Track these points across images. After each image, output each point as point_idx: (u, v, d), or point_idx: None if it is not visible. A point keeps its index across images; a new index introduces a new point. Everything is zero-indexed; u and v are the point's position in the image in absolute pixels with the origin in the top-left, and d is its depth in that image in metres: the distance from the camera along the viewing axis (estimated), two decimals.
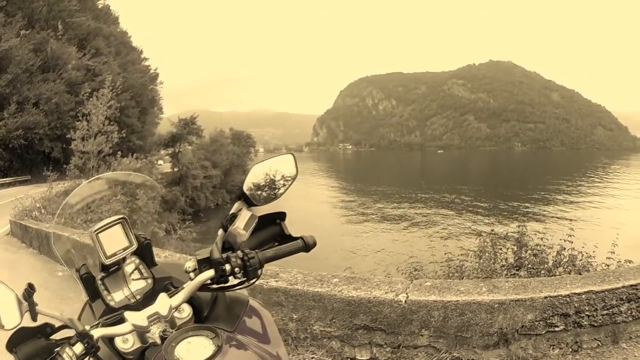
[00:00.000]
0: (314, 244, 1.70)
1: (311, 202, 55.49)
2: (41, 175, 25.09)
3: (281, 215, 1.80)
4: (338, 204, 61.86)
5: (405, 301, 3.97)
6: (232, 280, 1.57)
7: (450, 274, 7.93)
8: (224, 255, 1.55)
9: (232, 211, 1.67)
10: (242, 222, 1.65)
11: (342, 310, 4.11)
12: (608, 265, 7.81)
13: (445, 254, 9.12)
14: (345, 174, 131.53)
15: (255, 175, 1.72)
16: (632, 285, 4.28)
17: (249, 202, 1.68)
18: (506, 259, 8.27)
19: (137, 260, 1.74)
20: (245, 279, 1.57)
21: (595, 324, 4.18)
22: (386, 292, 4.07)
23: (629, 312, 4.31)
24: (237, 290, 1.64)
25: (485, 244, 8.68)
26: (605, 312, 4.19)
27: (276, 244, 1.75)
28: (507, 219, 41.80)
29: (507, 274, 7.43)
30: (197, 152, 53.56)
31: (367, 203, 60.18)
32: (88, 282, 1.67)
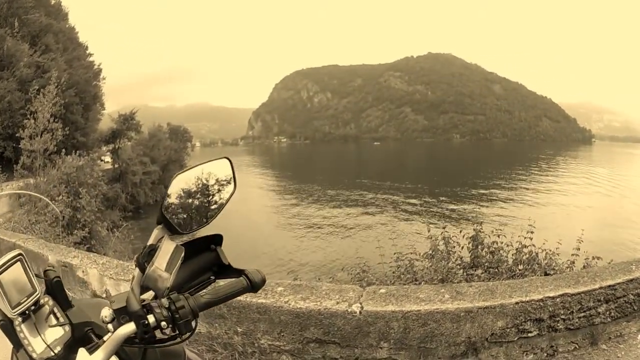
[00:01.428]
0: (262, 282, 1.45)
1: (248, 202, 55.20)
2: None
3: (216, 239, 1.55)
4: (275, 202, 61.77)
5: (360, 312, 3.63)
6: (161, 334, 1.29)
7: (402, 275, 7.62)
8: (145, 304, 1.27)
9: (150, 241, 1.36)
10: (164, 260, 1.33)
11: (291, 323, 3.75)
12: (573, 263, 7.73)
13: (394, 253, 8.70)
14: (281, 169, 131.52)
15: (179, 190, 1.42)
16: (609, 286, 4.13)
17: (171, 229, 1.37)
18: (461, 258, 8.05)
19: (51, 302, 1.39)
20: (176, 332, 1.29)
21: (572, 327, 4.01)
22: (338, 302, 3.73)
23: (608, 312, 4.17)
24: None
25: (437, 242, 8.39)
26: (582, 314, 4.02)
27: (212, 277, 1.53)
28: (454, 214, 42.65)
29: (463, 274, 7.26)
30: (136, 147, 53.81)
31: (305, 201, 60.23)
32: (7, 328, 1.35)
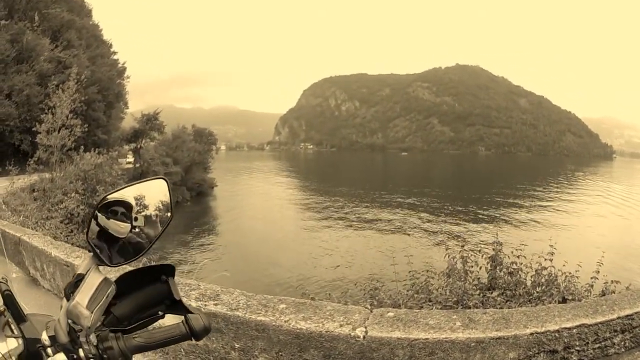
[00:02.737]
0: (204, 331, 1.27)
1: (271, 209, 56.53)
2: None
3: (168, 269, 1.38)
4: (299, 206, 61.84)
5: (364, 337, 3.48)
6: None
7: (415, 295, 7.27)
8: (73, 337, 1.17)
9: (79, 270, 1.25)
10: (86, 295, 1.19)
11: (290, 344, 3.61)
12: (592, 286, 7.40)
13: (409, 272, 8.37)
14: (307, 176, 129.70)
15: (107, 215, 1.28)
16: (627, 316, 4.01)
17: (99, 258, 1.25)
18: (478, 279, 7.73)
19: (7, 312, 1.29)
20: None
21: (585, 359, 3.82)
22: (341, 325, 3.57)
23: (622, 343, 4.04)
24: None
25: (455, 260, 8.08)
26: (597, 345, 3.87)
27: (160, 312, 1.38)
28: (475, 227, 41.85)
29: (480, 295, 6.86)
30: (159, 148, 54.13)
31: (330, 208, 59.72)
32: None
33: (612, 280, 7.33)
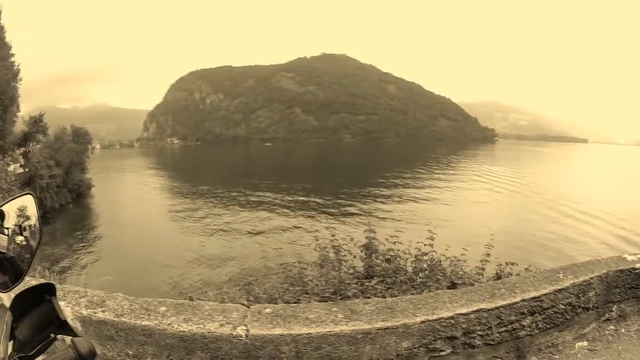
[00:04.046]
0: (91, 355, 1.20)
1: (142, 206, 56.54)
2: None
3: (48, 288, 1.30)
4: (170, 204, 60.63)
5: (247, 335, 3.51)
6: None
7: (291, 288, 7.06)
8: None
9: None
10: None
11: (177, 347, 3.54)
12: (484, 269, 7.48)
13: (280, 264, 8.35)
14: (172, 171, 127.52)
15: None
16: (533, 298, 4.09)
17: None
18: (354, 268, 7.68)
19: None
20: None
21: (492, 342, 3.89)
22: (222, 325, 3.54)
23: (534, 324, 4.10)
24: None
25: (327, 251, 8.01)
26: (502, 328, 3.93)
27: (51, 335, 1.29)
28: (345, 217, 42.58)
29: (358, 284, 6.72)
30: (43, 150, 53.83)
31: (196, 203, 59.64)
32: None
33: (507, 262, 7.41)
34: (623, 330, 4.86)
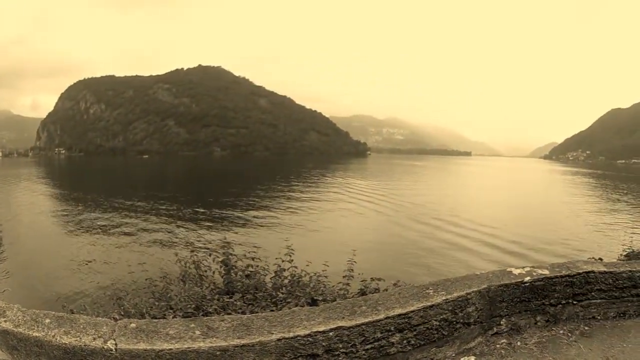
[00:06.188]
0: None
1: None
2: None
3: None
4: (59, 215, 56.38)
5: (116, 349, 3.49)
6: None
7: (157, 303, 7.23)
8: None
9: None
10: None
11: (63, 359, 3.54)
12: (348, 284, 7.70)
13: (146, 279, 8.47)
14: (60, 183, 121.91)
15: None
16: (400, 315, 4.08)
17: None
18: (214, 283, 7.82)
19: None
20: None
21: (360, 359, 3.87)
22: (95, 338, 3.55)
23: (405, 341, 4.13)
24: None
25: (188, 267, 8.21)
26: (368, 346, 3.93)
27: None
28: (206, 231, 41.62)
29: (219, 300, 6.88)
30: None
31: (80, 216, 54.95)
32: None
33: (372, 278, 7.59)
34: (519, 343, 4.97)
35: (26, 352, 3.62)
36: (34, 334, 3.56)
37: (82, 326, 3.66)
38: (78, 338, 3.49)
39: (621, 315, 5.63)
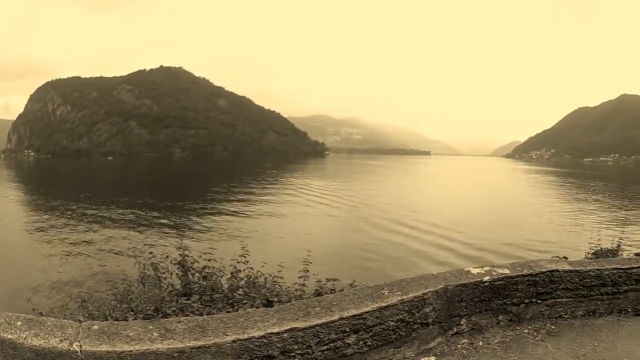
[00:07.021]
0: None
1: None
2: None
3: None
4: (23, 218, 56.26)
5: (81, 351, 3.51)
6: None
7: (119, 305, 7.22)
8: None
9: None
10: None
11: None
12: (304, 285, 7.72)
13: (107, 281, 8.48)
14: (28, 187, 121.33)
15: None
16: (354, 316, 4.12)
17: None
18: (172, 285, 7.85)
19: None
20: None
21: None
22: (61, 340, 3.57)
23: (361, 342, 4.17)
24: None
25: (147, 269, 8.25)
26: (324, 347, 3.98)
27: None
28: (163, 233, 41.66)
29: (178, 302, 6.93)
30: None
31: (42, 219, 54.60)
32: None
33: (327, 279, 7.63)
34: (481, 343, 5.01)
35: (3, 354, 3.62)
36: (8, 336, 3.58)
37: (49, 328, 3.69)
38: (46, 340, 3.53)
39: (590, 313, 5.77)
